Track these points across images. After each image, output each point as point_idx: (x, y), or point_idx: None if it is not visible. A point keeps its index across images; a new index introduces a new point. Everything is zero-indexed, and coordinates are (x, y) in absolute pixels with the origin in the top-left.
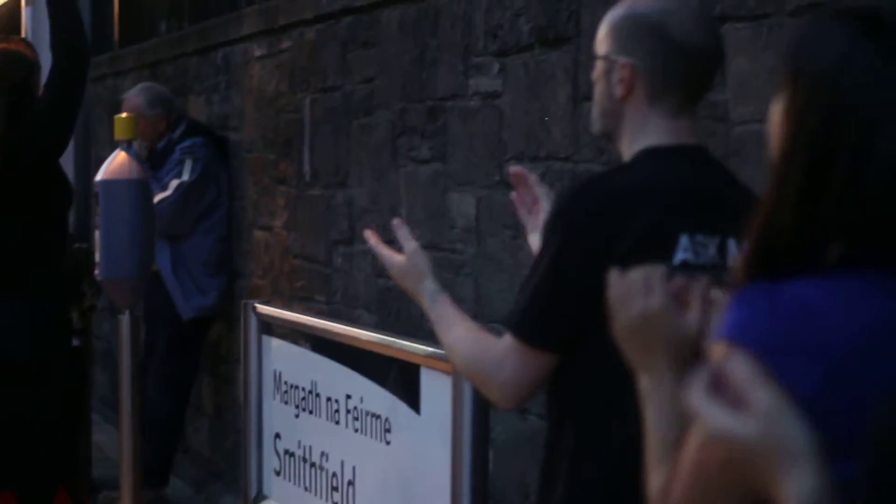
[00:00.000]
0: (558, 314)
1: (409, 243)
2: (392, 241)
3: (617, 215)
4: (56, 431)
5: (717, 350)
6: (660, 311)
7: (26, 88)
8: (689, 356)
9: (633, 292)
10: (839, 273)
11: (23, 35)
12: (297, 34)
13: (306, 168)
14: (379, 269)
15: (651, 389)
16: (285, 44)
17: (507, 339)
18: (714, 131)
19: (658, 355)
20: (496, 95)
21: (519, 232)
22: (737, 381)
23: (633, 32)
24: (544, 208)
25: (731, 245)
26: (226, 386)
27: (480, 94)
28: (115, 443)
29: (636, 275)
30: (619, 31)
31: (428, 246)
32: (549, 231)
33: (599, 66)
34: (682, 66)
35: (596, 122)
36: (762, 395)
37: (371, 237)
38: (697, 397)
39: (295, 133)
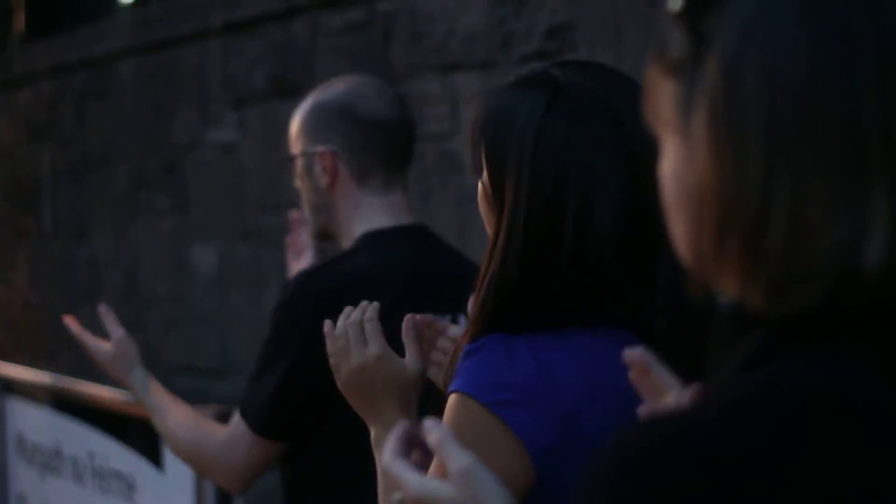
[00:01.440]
0: (290, 406)
1: (117, 330)
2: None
3: (341, 305)
4: None
5: (452, 401)
6: (377, 358)
7: None
8: (416, 397)
9: (349, 344)
10: (569, 327)
11: None
12: (34, 87)
13: (47, 221)
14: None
15: (379, 439)
16: (23, 97)
17: (238, 427)
18: (449, 179)
19: (384, 402)
20: (234, 146)
21: (260, 284)
22: (433, 442)
23: (324, 120)
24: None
25: (462, 321)
26: None
27: (219, 144)
28: None
29: (351, 325)
30: (310, 124)
31: (169, 297)
32: (275, 324)
33: (299, 165)
34: (377, 141)
35: (311, 223)
36: (458, 456)
37: (72, 324)
38: (392, 461)
39: (35, 187)
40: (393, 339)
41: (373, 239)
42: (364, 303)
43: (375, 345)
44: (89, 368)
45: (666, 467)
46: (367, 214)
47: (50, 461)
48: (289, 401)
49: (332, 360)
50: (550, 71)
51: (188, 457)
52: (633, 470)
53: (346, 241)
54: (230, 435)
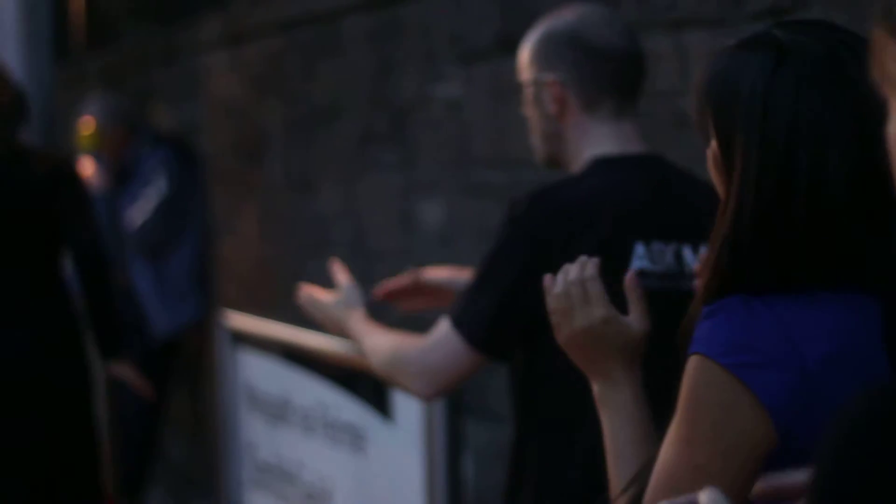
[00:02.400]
0: (505, 324)
1: (341, 277)
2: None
3: (568, 228)
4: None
5: (692, 364)
6: (603, 320)
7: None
8: (638, 355)
9: (572, 305)
10: (810, 290)
11: None
12: (259, 42)
13: (275, 175)
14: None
15: (605, 395)
16: (249, 52)
17: (449, 335)
18: (678, 138)
19: (609, 362)
20: (460, 102)
21: (486, 239)
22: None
23: (553, 49)
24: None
25: (687, 251)
26: (203, 396)
27: (443, 101)
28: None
29: (573, 284)
30: (539, 52)
31: (397, 251)
32: (505, 237)
33: (528, 93)
34: (607, 71)
35: (538, 151)
36: None
37: (306, 292)
38: None
39: (261, 143)
40: (616, 261)
41: (602, 165)
42: (583, 258)
43: (601, 307)
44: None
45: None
46: (597, 142)
47: (279, 412)
48: (510, 314)
49: (553, 318)
50: (773, 32)
51: (386, 366)
52: (865, 435)
53: (575, 169)
54: (434, 340)
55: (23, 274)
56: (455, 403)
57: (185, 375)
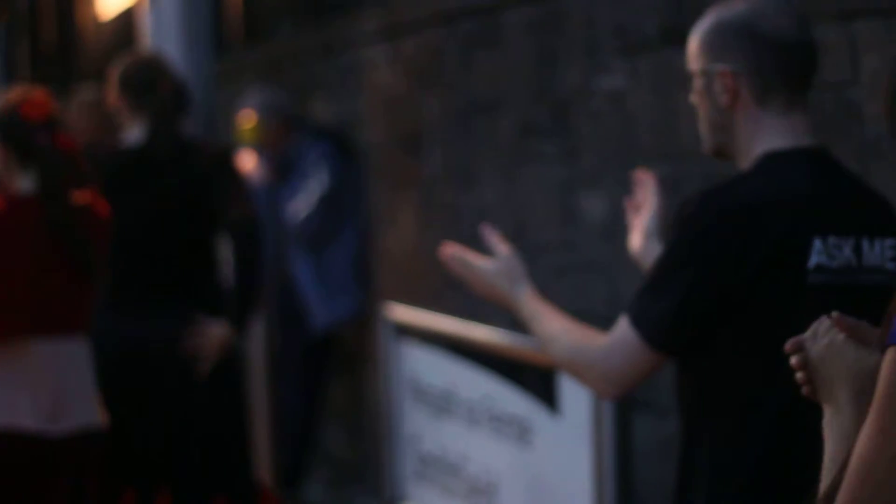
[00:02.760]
0: (683, 325)
1: (502, 247)
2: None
3: (744, 227)
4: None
5: (889, 356)
6: (842, 341)
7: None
8: (871, 384)
9: (816, 331)
10: None
11: (144, 40)
12: (418, 35)
13: (433, 167)
14: None
15: (830, 420)
16: (407, 45)
17: (627, 335)
18: (848, 130)
19: (838, 388)
20: (624, 94)
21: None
22: None
23: (725, 39)
24: (651, 209)
25: (865, 244)
26: (361, 387)
27: (607, 93)
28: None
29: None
30: (710, 42)
31: (558, 245)
32: (679, 237)
33: (698, 83)
34: (780, 62)
35: (706, 141)
36: None
37: (449, 251)
38: None
39: (420, 135)
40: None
41: (773, 160)
42: (826, 322)
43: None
44: (478, 312)
45: None
46: (768, 135)
47: (444, 404)
48: (690, 315)
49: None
50: None
51: (565, 360)
52: None
53: (744, 161)
54: (614, 341)
55: (180, 262)
56: (624, 397)
57: (343, 368)
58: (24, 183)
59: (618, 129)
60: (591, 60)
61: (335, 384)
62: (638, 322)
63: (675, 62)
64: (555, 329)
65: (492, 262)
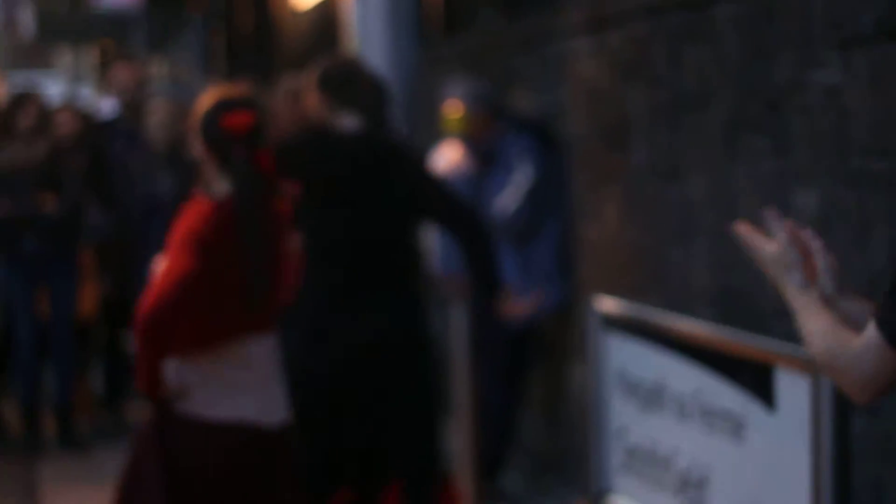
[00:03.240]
0: None
1: (782, 234)
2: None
3: None
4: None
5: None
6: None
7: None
8: None
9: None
10: None
11: (349, 31)
12: (624, 28)
13: (639, 161)
14: (722, 264)
15: None
16: (613, 37)
17: (872, 334)
18: None
19: None
20: (839, 89)
21: (865, 228)
22: None
23: None
24: (824, 270)
25: None
26: (559, 379)
27: (821, 87)
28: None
29: None
30: None
31: None
32: None
33: None
34: None
35: None
36: None
37: (741, 228)
38: None
39: (625, 127)
40: None
41: None
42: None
43: None
44: (682, 307)
45: None
46: None
47: (652, 397)
48: None
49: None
50: None
51: (822, 363)
52: None
53: None
54: (864, 346)
55: (389, 257)
56: (842, 399)
57: (543, 359)
58: (221, 186)
59: (832, 123)
60: (805, 54)
61: (534, 375)
62: (882, 323)
63: (893, 56)
64: (816, 327)
65: (770, 245)
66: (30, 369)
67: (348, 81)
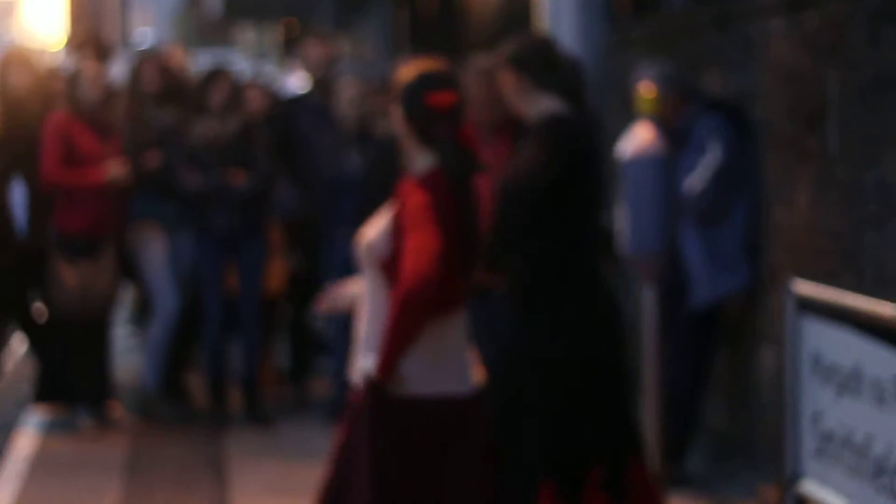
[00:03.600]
0: None
1: None
2: None
3: None
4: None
5: None
6: None
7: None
8: None
9: None
10: None
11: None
12: (822, 8)
13: (833, 144)
14: None
15: None
16: (810, 18)
17: None
18: None
19: None
20: None
21: None
22: None
23: None
24: None
25: None
26: (745, 362)
27: None
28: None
29: None
30: None
31: None
32: None
33: None
34: None
35: None
36: None
37: None
38: None
39: (820, 110)
40: None
41: None
42: None
43: None
44: (876, 293)
45: None
46: None
47: (848, 382)
48: None
49: None
50: None
51: None
52: None
53: None
54: None
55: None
56: None
57: (728, 342)
58: (422, 161)
59: None
60: None
61: (719, 359)
62: None
63: None
64: None
65: None
66: (217, 344)
67: (548, 63)
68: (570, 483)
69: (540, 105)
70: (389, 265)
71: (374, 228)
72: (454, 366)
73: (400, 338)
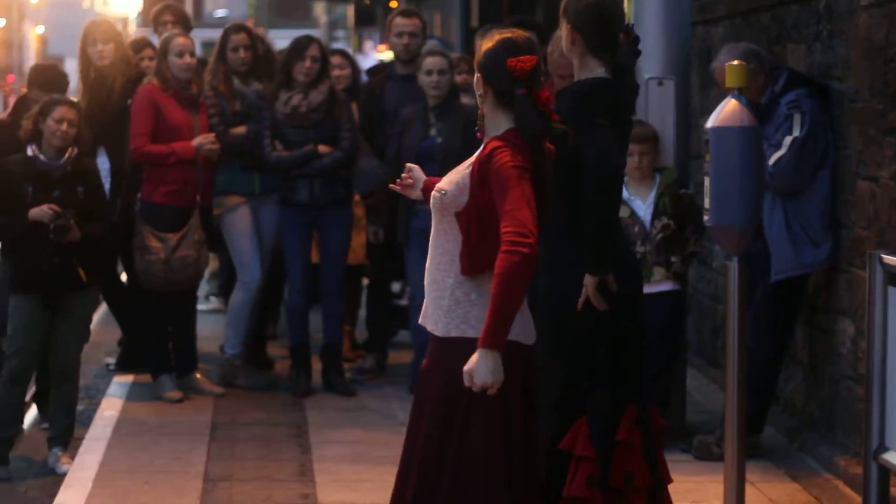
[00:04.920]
0: None
1: None
2: None
3: None
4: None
5: None
6: None
7: None
8: None
9: None
10: None
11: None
12: None
13: None
14: None
15: None
16: None
17: None
18: None
19: None
20: None
21: None
22: None
23: None
24: None
25: None
26: (823, 336)
27: None
28: (702, 389)
29: None
30: None
31: None
32: None
33: None
34: None
35: None
36: None
37: None
38: None
39: None
40: None
41: None
42: None
43: None
44: None
45: None
46: None
47: None
48: None
49: None
50: None
51: None
52: None
53: None
54: None
55: None
56: None
57: (807, 315)
58: (500, 124)
59: None
60: None
61: (796, 330)
62: None
63: None
64: None
65: None
66: (300, 314)
67: (605, 24)
68: (607, 419)
69: (585, 69)
70: (464, 215)
71: (450, 179)
72: (525, 316)
73: (512, 304)
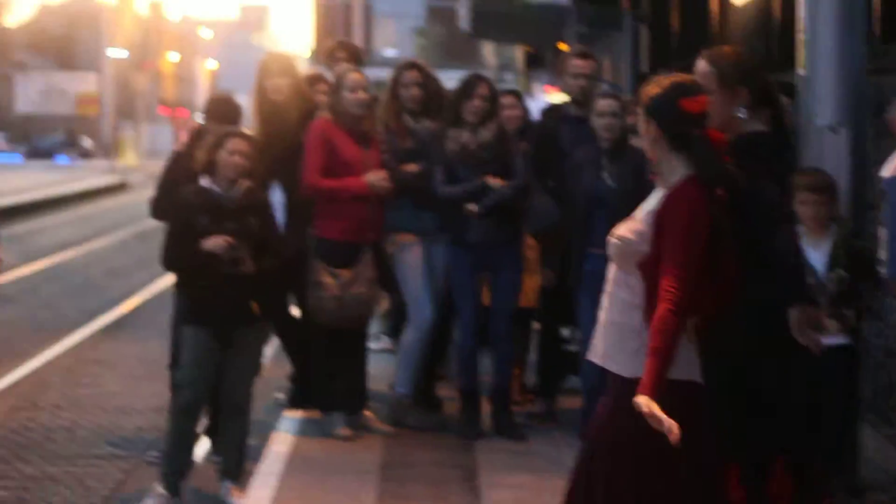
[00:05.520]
0: None
1: None
2: None
3: None
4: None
5: None
6: None
7: None
8: None
9: None
10: None
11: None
12: None
13: None
14: None
15: None
16: None
17: None
18: None
19: None
20: None
21: None
22: None
23: None
24: None
25: None
26: None
27: None
28: (876, 446)
29: None
30: None
31: None
32: None
33: None
34: None
35: None
36: None
37: None
38: None
39: None
40: None
41: None
42: None
43: None
44: None
45: None
46: None
47: None
48: None
49: None
50: None
51: None
52: None
53: None
54: None
55: None
56: None
57: None
58: (675, 169)
59: None
60: None
61: None
62: None
63: None
64: None
65: None
66: (469, 356)
67: (765, 80)
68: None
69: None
70: (647, 264)
71: (629, 227)
72: (692, 354)
73: (664, 360)
